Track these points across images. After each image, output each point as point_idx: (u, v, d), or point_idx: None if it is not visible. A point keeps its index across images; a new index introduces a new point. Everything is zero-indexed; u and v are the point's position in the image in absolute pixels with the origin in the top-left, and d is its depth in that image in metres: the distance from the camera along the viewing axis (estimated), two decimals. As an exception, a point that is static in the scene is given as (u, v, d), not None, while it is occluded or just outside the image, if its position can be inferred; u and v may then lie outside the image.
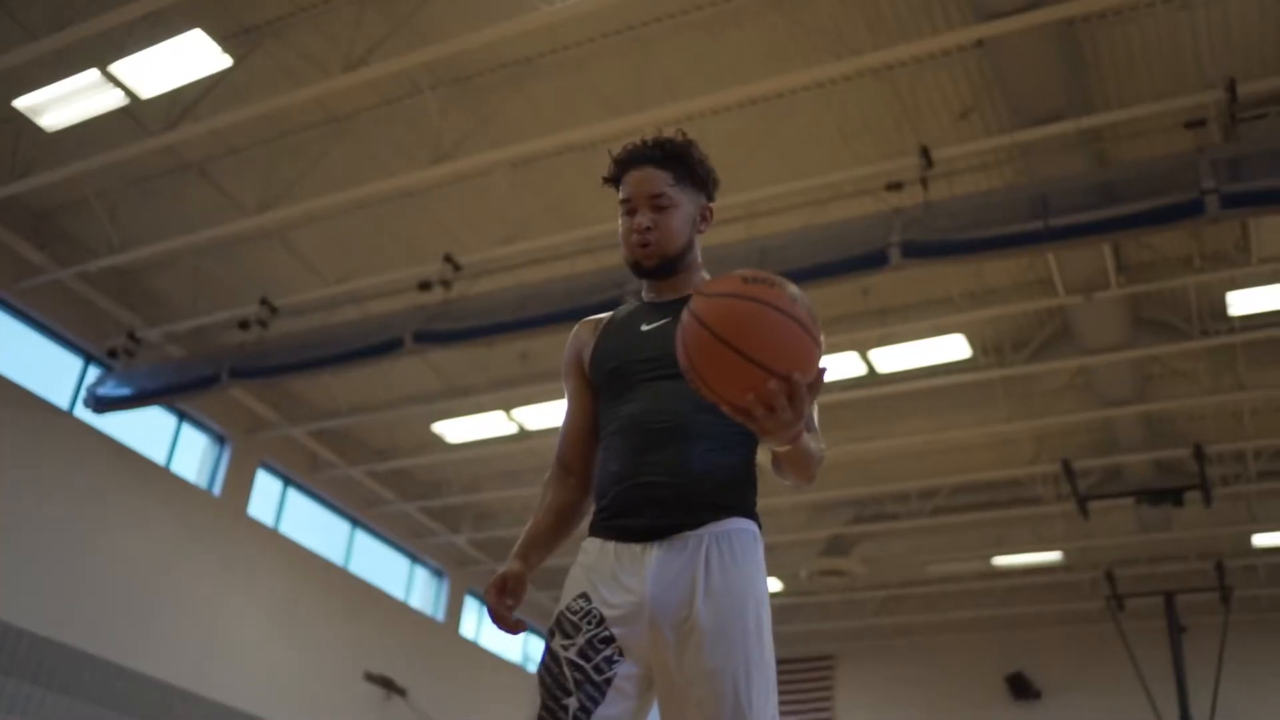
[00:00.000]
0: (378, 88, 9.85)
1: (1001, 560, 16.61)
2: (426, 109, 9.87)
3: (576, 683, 2.29)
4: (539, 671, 2.38)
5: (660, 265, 2.61)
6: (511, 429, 13.85)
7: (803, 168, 10.20)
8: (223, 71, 9.33)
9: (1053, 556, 16.54)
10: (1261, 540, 15.17)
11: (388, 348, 10.90)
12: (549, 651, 2.38)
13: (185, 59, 9.02)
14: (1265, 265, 9.99)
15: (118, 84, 9.22)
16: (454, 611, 18.45)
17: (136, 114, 9.96)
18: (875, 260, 8.97)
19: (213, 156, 10.93)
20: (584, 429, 2.68)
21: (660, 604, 2.30)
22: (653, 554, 2.35)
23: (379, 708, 15.77)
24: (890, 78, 9.41)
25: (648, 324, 2.60)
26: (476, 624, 19.35)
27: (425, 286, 11.04)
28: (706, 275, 2.71)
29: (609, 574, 2.38)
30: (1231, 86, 8.37)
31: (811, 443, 2.29)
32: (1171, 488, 13.07)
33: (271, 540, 15.04)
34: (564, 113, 9.79)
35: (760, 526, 2.49)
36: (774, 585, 18.16)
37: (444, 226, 11.40)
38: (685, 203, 2.63)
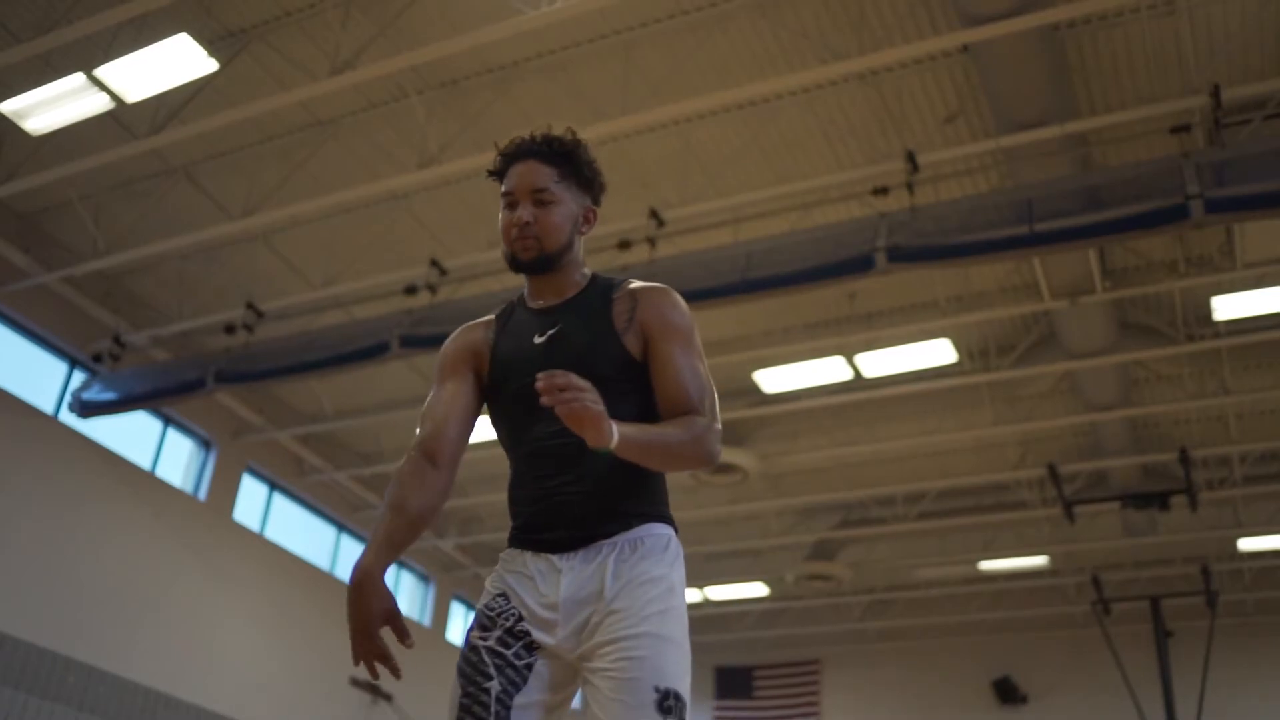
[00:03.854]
0: (363, 91, 9.85)
1: (988, 564, 16.64)
2: (412, 113, 9.87)
3: (498, 668, 2.33)
4: (459, 664, 2.40)
5: (538, 260, 2.58)
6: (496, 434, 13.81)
7: (788, 172, 10.23)
8: (208, 75, 9.30)
9: (1039, 561, 16.59)
10: (1247, 544, 15.22)
11: (374, 352, 10.88)
12: (468, 644, 2.42)
13: (171, 63, 8.98)
14: (1250, 270, 10.03)
15: (103, 88, 9.19)
16: (440, 616, 18.42)
17: (122, 118, 9.94)
18: (861, 264, 8.97)
19: (198, 160, 10.91)
20: (462, 425, 2.64)
21: (573, 603, 2.35)
22: (567, 563, 2.40)
23: (365, 713, 15.73)
24: (876, 82, 9.43)
25: (540, 334, 2.58)
26: (462, 629, 19.30)
27: (411, 290, 11.03)
28: (587, 272, 2.70)
29: (527, 579, 2.43)
30: (1216, 92, 8.41)
31: (664, 436, 2.35)
32: (1157, 492, 13.10)
33: (257, 545, 14.99)
34: (549, 117, 9.67)
35: (676, 530, 2.51)
36: (760, 590, 18.17)
37: (430, 230, 11.39)
38: (568, 201, 2.63)
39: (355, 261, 11.65)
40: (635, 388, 2.50)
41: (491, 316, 2.75)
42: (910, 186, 9.18)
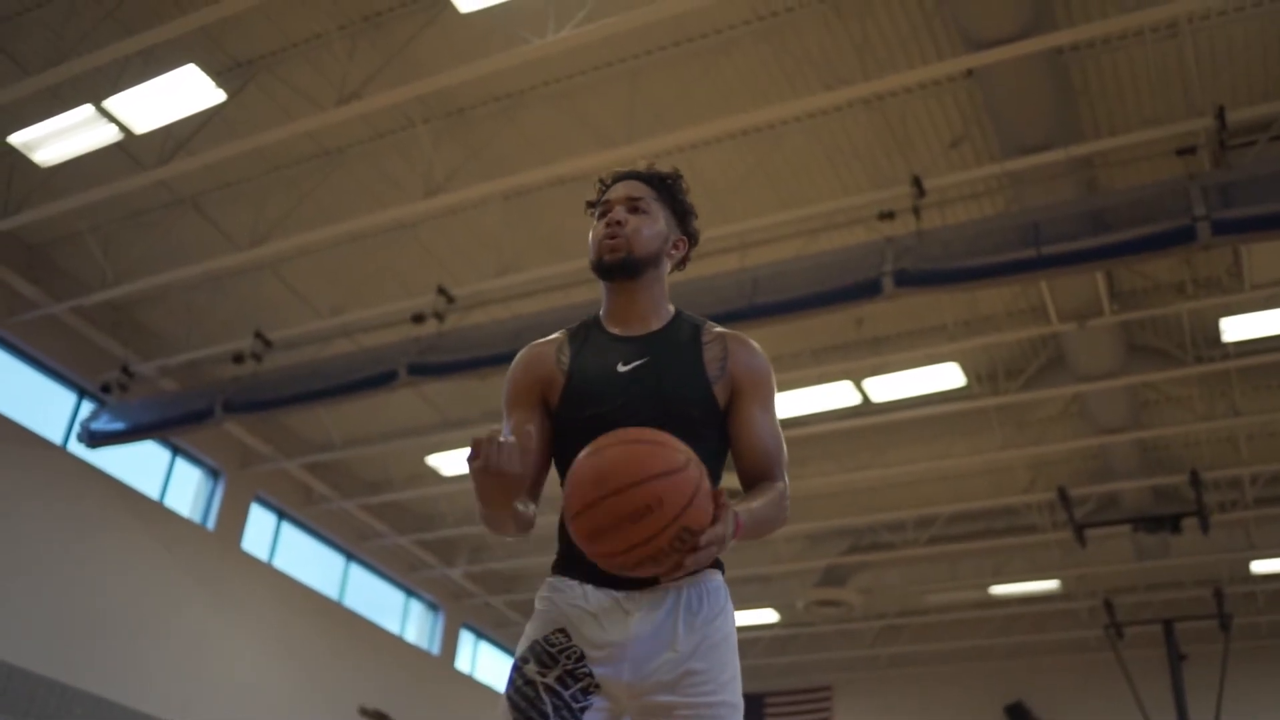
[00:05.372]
0: (370, 121, 9.90)
1: (999, 589, 16.56)
2: (419, 142, 9.91)
3: (554, 708, 2.28)
4: (509, 694, 2.34)
5: (624, 263, 2.57)
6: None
7: (794, 198, 10.25)
8: (216, 106, 9.37)
9: (1050, 585, 16.50)
10: (1260, 567, 15.13)
11: (381, 380, 10.89)
12: (522, 676, 2.35)
13: (179, 94, 9.06)
14: (1258, 291, 10.00)
15: (112, 119, 9.26)
16: (449, 645, 18.35)
17: (131, 149, 10.00)
18: (868, 289, 8.97)
19: (206, 190, 10.96)
20: (539, 458, 2.58)
21: (643, 650, 2.31)
22: (633, 603, 2.35)
23: (374, 743, 15.64)
24: (880, 107, 9.46)
25: (624, 363, 2.53)
26: (472, 658, 19.24)
27: (419, 319, 11.04)
28: (672, 308, 2.67)
29: (589, 616, 2.37)
30: (1221, 114, 8.42)
31: (762, 507, 2.36)
32: (1168, 514, 13.04)
33: (265, 574, 14.97)
34: (555, 145, 9.82)
35: (724, 572, 2.52)
36: (771, 616, 18.10)
37: (437, 259, 11.41)
38: (661, 219, 2.64)
39: (363, 290, 11.69)
40: (714, 432, 2.50)
41: (560, 336, 2.68)
42: (916, 211, 9.19)
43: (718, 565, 2.49)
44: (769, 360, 2.61)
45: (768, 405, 2.56)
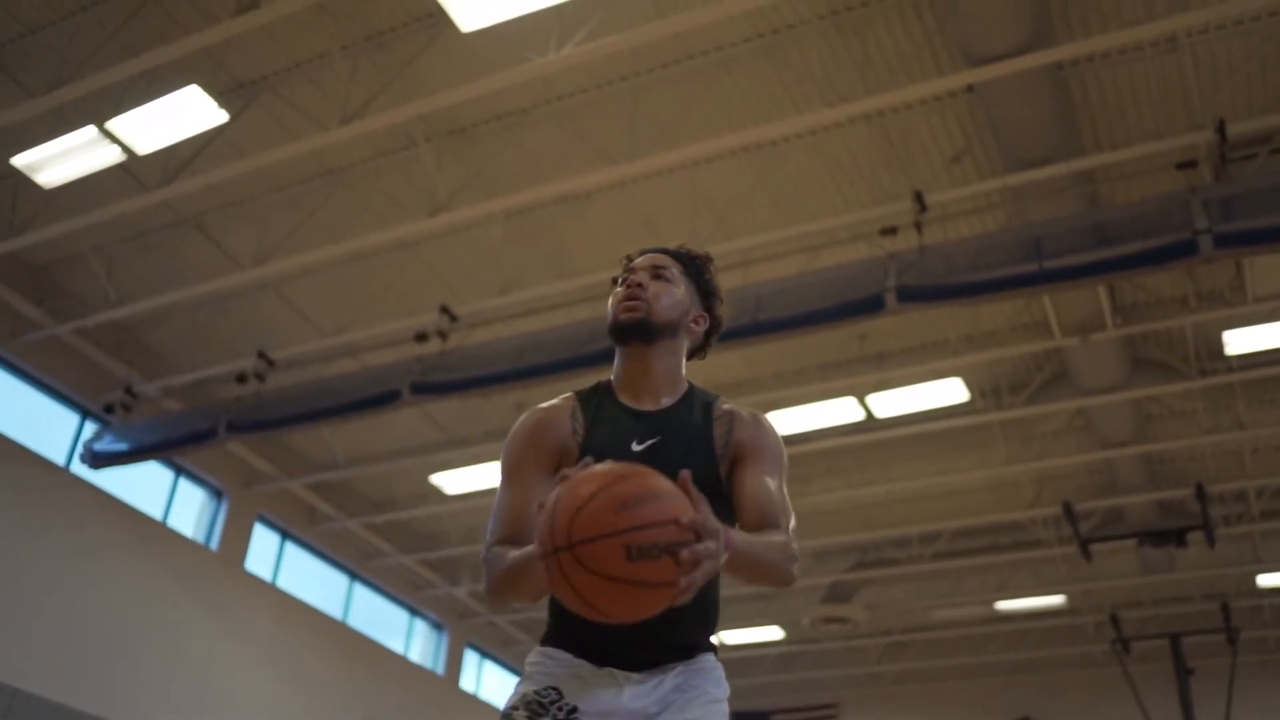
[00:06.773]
0: (373, 140, 9.92)
1: (1004, 604, 16.50)
2: (421, 161, 9.93)
3: None
4: None
5: (640, 323, 2.51)
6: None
7: (796, 214, 10.26)
8: (219, 126, 9.39)
9: (1056, 600, 16.44)
10: (1267, 580, 15.08)
11: (385, 399, 10.89)
12: None
13: (182, 115, 9.09)
14: (1261, 304, 10.00)
15: (115, 140, 9.28)
16: (454, 664, 18.29)
17: (134, 170, 10.02)
18: (871, 305, 8.98)
19: (209, 211, 10.99)
20: None
21: (634, 716, 2.32)
22: (627, 678, 2.35)
23: (379, 763, 15.59)
24: (881, 123, 9.47)
25: (639, 442, 2.47)
26: (476, 677, 19.18)
27: (422, 338, 11.05)
28: (686, 384, 2.62)
29: (582, 682, 2.37)
30: (1221, 127, 8.44)
31: (766, 551, 2.19)
32: (1174, 528, 13.00)
33: (269, 594, 14.93)
34: (558, 163, 9.84)
35: (717, 653, 2.51)
36: (776, 633, 18.05)
37: (440, 277, 11.42)
38: (684, 290, 2.60)
39: (366, 309, 11.69)
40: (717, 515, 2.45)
41: (570, 401, 2.58)
42: (918, 226, 9.20)
43: (715, 649, 2.49)
44: (780, 436, 2.55)
45: (774, 471, 2.47)
